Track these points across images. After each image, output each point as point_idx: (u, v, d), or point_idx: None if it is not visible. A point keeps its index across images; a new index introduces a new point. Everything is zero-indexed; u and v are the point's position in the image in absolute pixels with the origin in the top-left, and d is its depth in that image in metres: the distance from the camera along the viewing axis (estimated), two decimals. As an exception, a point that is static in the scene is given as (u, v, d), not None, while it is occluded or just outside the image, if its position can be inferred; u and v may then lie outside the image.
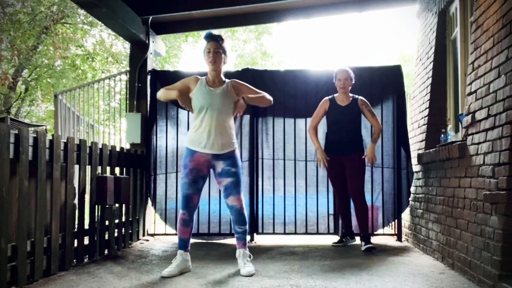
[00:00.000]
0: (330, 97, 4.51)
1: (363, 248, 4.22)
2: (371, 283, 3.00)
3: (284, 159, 5.03)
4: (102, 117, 9.00)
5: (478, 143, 3.07)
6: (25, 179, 2.96)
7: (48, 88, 15.00)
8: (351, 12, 5.50)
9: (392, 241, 4.91)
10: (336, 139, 4.41)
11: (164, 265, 3.63)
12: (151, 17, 5.20)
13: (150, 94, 5.19)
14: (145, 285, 2.99)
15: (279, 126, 5.06)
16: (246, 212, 3.42)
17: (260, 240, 5.01)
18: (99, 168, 4.08)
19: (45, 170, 3.19)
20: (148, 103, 5.21)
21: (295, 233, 4.97)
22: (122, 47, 14.94)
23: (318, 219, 4.96)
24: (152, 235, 5.26)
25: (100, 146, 4.12)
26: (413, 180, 4.78)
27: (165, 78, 5.12)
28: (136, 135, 5.14)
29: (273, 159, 5.02)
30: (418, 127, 4.80)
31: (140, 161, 4.93)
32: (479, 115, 3.09)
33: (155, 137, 5.11)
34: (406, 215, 4.97)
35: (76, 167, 3.72)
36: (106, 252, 4.08)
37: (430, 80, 4.50)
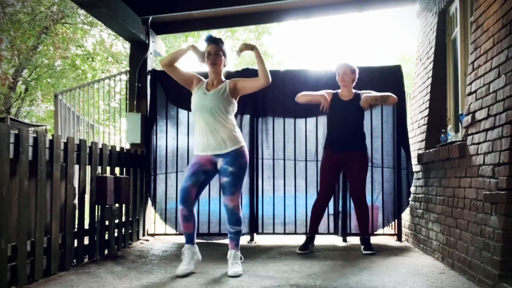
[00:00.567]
0: (334, 91, 4.36)
1: (363, 252, 4.18)
2: (371, 283, 3.00)
3: (284, 159, 5.03)
4: (102, 117, 9.00)
5: (478, 143, 3.07)
6: (25, 179, 2.96)
7: (48, 88, 15.00)
8: (351, 12, 5.50)
9: (392, 241, 4.92)
10: (338, 136, 4.24)
11: (164, 265, 3.63)
12: (151, 17, 5.20)
13: (150, 94, 5.19)
14: (145, 285, 2.99)
15: (279, 126, 5.06)
16: (241, 213, 3.41)
17: (260, 240, 5.01)
18: (99, 168, 4.08)
19: (45, 170, 3.19)
20: (148, 103, 5.21)
21: (295, 233, 4.97)
22: (122, 47, 14.95)
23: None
24: (152, 235, 5.26)
25: (100, 146, 4.12)
26: (413, 180, 4.78)
27: (165, 78, 5.09)
28: (136, 135, 5.14)
29: (273, 159, 5.02)
30: (418, 127, 4.80)
31: (140, 161, 4.93)
32: (479, 115, 3.09)
33: (155, 137, 5.11)
34: (406, 215, 4.97)
35: (76, 167, 3.72)
36: (106, 252, 4.08)
37: (430, 80, 4.50)
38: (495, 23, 2.98)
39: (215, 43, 3.37)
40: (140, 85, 5.27)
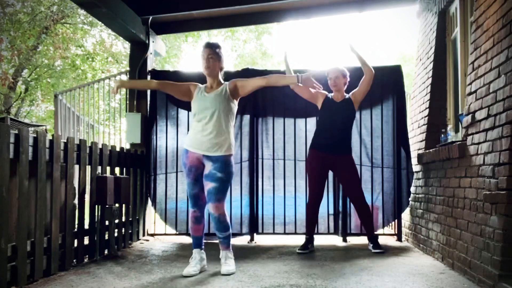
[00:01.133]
0: (328, 93, 4.38)
1: (372, 250, 4.20)
2: (371, 283, 3.00)
3: (284, 159, 5.03)
4: (102, 117, 9.00)
5: (478, 143, 3.07)
6: (25, 179, 2.96)
7: (48, 88, 15.00)
8: (351, 12, 5.50)
9: (392, 241, 4.91)
10: (327, 137, 4.23)
11: (164, 265, 3.63)
12: (151, 17, 5.20)
13: (150, 94, 5.19)
14: (145, 285, 2.99)
15: (279, 126, 5.06)
16: (228, 218, 3.38)
17: (260, 240, 5.01)
18: (99, 168, 4.08)
19: (45, 170, 3.19)
20: (148, 103, 5.21)
21: (295, 233, 4.97)
22: (122, 47, 14.94)
23: (318, 219, 4.95)
24: (152, 235, 5.26)
25: (100, 146, 4.12)
26: (413, 180, 4.77)
27: (165, 78, 5.10)
28: (136, 135, 5.14)
29: (273, 159, 5.02)
30: (418, 127, 4.80)
31: (140, 161, 4.93)
32: (479, 115, 3.09)
33: (155, 137, 5.11)
34: (406, 215, 4.97)
35: (76, 167, 3.73)
36: (106, 252, 4.08)
37: (430, 80, 4.50)
38: (495, 23, 2.98)
39: (209, 47, 3.39)
40: (140, 85, 5.26)
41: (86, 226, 3.84)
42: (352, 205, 4.88)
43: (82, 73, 14.84)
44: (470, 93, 3.32)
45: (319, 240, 4.86)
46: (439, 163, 3.91)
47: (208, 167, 3.30)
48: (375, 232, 4.95)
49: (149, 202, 5.13)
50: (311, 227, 4.35)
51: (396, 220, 5.00)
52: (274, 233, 4.99)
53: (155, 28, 5.42)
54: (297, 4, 5.29)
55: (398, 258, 3.94)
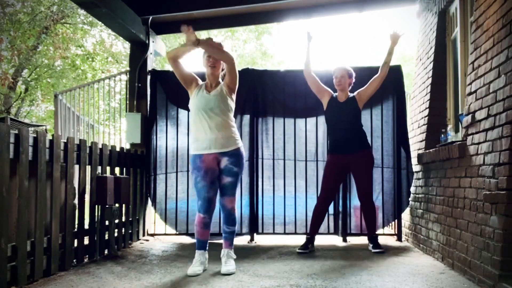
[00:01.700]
0: (333, 93, 4.41)
1: (372, 250, 4.21)
2: (371, 283, 3.00)
3: (284, 159, 5.02)
4: (102, 117, 9.00)
5: (478, 143, 3.07)
6: (25, 179, 2.96)
7: (48, 88, 15.00)
8: (351, 12, 5.50)
9: (392, 241, 4.91)
10: (339, 137, 4.28)
11: (164, 265, 3.63)
12: (151, 17, 5.20)
13: (150, 94, 5.19)
14: (145, 285, 2.99)
15: (279, 126, 5.06)
16: (237, 213, 3.46)
17: (260, 240, 5.01)
18: (99, 168, 4.08)
19: (45, 170, 3.19)
20: (148, 103, 5.21)
21: (295, 233, 4.97)
22: (122, 47, 14.95)
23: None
24: (152, 235, 5.26)
25: (100, 146, 4.12)
26: (413, 180, 4.77)
27: (165, 78, 5.12)
28: (136, 135, 5.14)
29: (273, 159, 5.02)
30: (418, 127, 4.80)
31: (140, 161, 4.93)
32: (479, 115, 3.09)
33: (155, 137, 5.11)
34: (406, 215, 4.97)
35: (76, 167, 3.73)
36: (106, 252, 4.08)
37: (430, 80, 4.50)
38: (495, 23, 2.98)
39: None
40: (140, 85, 5.27)
41: (86, 226, 3.84)
42: (351, 204, 4.89)
43: (82, 73, 14.84)
44: (470, 93, 3.32)
45: (319, 240, 4.85)
46: (439, 163, 3.91)
47: (224, 162, 3.35)
48: (376, 232, 4.98)
49: (149, 202, 5.12)
50: (315, 227, 4.36)
51: (396, 220, 5.00)
52: (274, 233, 4.99)
53: (155, 28, 5.41)
54: (297, 4, 5.29)
55: (398, 258, 3.94)
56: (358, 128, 4.33)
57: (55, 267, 3.28)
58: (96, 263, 3.69)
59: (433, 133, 4.41)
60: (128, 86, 5.40)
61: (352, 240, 4.91)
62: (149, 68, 5.33)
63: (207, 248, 3.47)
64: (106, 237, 4.08)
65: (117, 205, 4.14)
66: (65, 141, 3.48)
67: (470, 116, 3.25)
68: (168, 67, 15.46)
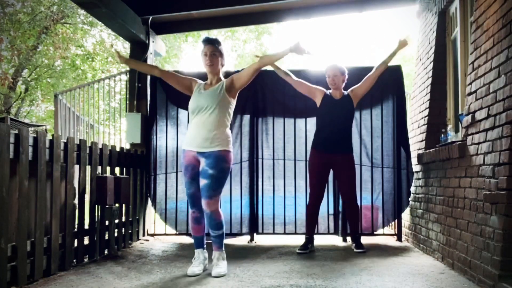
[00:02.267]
0: (326, 90, 4.38)
1: (355, 250, 4.24)
2: (371, 283, 3.00)
3: (284, 159, 5.02)
4: (102, 117, 9.00)
5: (478, 143, 3.07)
6: (25, 179, 2.96)
7: (48, 88, 15.00)
8: (351, 12, 5.50)
9: (392, 241, 4.91)
10: (327, 135, 4.24)
11: (164, 265, 3.63)
12: (151, 17, 5.19)
13: (150, 94, 5.19)
14: (145, 285, 2.99)
15: (279, 126, 5.06)
16: (221, 217, 3.32)
17: (260, 240, 5.01)
18: (99, 168, 4.08)
19: (45, 170, 3.19)
20: (148, 103, 5.21)
21: (295, 233, 4.97)
22: (122, 47, 14.94)
23: (318, 219, 4.95)
24: (152, 235, 5.26)
25: (100, 146, 4.12)
26: (413, 180, 4.77)
27: (165, 78, 5.11)
28: (136, 135, 5.14)
29: (273, 159, 5.02)
30: (418, 127, 4.80)
31: (140, 161, 4.93)
32: (479, 115, 3.09)
33: (155, 137, 5.11)
34: (406, 215, 4.97)
35: (76, 167, 3.72)
36: (106, 252, 4.08)
37: (430, 80, 4.50)
38: (495, 23, 2.98)
39: (211, 44, 3.38)
40: (140, 85, 5.27)
41: (86, 226, 3.84)
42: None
43: (82, 73, 14.85)
44: (470, 93, 3.32)
45: (319, 240, 4.86)
46: (439, 163, 3.91)
47: (202, 164, 3.29)
48: (375, 232, 4.99)
49: (149, 202, 5.13)
50: (311, 227, 4.36)
51: (396, 220, 5.00)
52: (274, 233, 4.99)
53: (155, 28, 5.41)
54: (297, 4, 5.29)
55: (398, 258, 3.94)
56: (348, 129, 4.32)
57: (55, 267, 3.28)
58: (96, 263, 3.69)
59: (433, 133, 4.41)
60: (128, 86, 5.41)
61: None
62: (149, 68, 5.32)
63: (205, 246, 3.44)
64: (106, 237, 4.08)
65: (117, 205, 4.14)
66: (65, 141, 3.48)
67: (470, 116, 3.25)
68: (168, 67, 15.46)
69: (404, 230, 4.99)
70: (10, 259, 2.79)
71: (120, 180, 4.06)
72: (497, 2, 2.96)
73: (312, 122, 5.03)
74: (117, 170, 4.38)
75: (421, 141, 4.60)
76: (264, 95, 5.03)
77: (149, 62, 5.34)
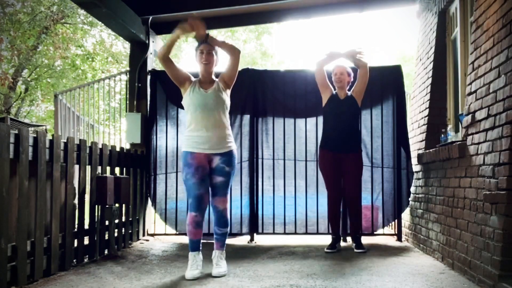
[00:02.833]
0: (333, 90, 4.40)
1: (355, 250, 4.24)
2: (371, 283, 3.00)
3: (284, 159, 5.02)
4: (102, 117, 9.00)
5: (478, 143, 3.07)
6: (25, 179, 2.96)
7: (48, 88, 15.01)
8: (351, 12, 5.50)
9: (392, 241, 4.91)
10: (334, 134, 4.27)
11: (164, 265, 3.63)
12: (151, 17, 5.20)
13: (150, 94, 5.19)
14: (145, 285, 2.99)
15: (279, 126, 5.06)
16: (229, 214, 3.40)
17: (260, 240, 5.01)
18: (99, 168, 4.08)
19: (45, 170, 3.19)
20: (148, 103, 5.21)
21: (295, 233, 4.97)
22: (122, 47, 14.95)
23: (318, 219, 4.95)
24: (152, 235, 5.26)
25: (100, 146, 4.12)
26: (413, 180, 4.77)
27: (165, 78, 5.06)
28: (136, 135, 5.14)
29: (273, 159, 5.02)
30: (418, 127, 4.80)
31: (140, 161, 4.93)
32: (479, 115, 3.09)
33: (155, 137, 5.11)
34: (406, 215, 4.97)
35: (76, 167, 3.73)
36: (106, 252, 4.08)
37: (430, 80, 4.50)
38: (495, 23, 2.98)
39: (207, 43, 3.38)
40: (140, 85, 5.27)
41: (86, 226, 3.84)
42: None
43: (82, 73, 14.85)
44: (470, 93, 3.32)
45: (319, 240, 4.86)
46: (439, 163, 3.91)
47: (216, 161, 3.30)
48: (375, 232, 4.99)
49: (149, 202, 5.12)
50: (336, 226, 4.38)
51: (396, 220, 5.00)
52: (274, 233, 4.99)
53: (155, 28, 5.41)
54: (297, 4, 5.28)
55: (398, 258, 3.94)
56: (355, 128, 4.35)
57: (55, 267, 3.28)
58: (96, 263, 3.69)
59: (433, 133, 4.41)
60: (128, 86, 5.40)
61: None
62: (149, 68, 5.33)
63: (200, 248, 3.39)
64: (106, 237, 4.08)
65: (117, 205, 4.14)
66: (65, 141, 3.48)
67: (470, 116, 3.25)
68: (168, 67, 15.45)
69: (404, 230, 4.99)
70: (10, 259, 2.79)
71: (120, 180, 4.06)
72: (497, 2, 2.96)
73: (312, 122, 5.04)
74: (117, 170, 4.38)
75: (421, 141, 4.60)
76: (264, 95, 5.03)
77: (149, 62, 5.34)
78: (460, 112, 3.93)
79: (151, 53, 5.38)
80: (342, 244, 4.77)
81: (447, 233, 3.58)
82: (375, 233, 5.00)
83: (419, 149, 4.64)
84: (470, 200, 3.13)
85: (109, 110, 9.25)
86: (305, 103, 4.97)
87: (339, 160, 4.29)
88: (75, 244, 3.61)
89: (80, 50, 14.82)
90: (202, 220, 3.34)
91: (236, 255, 4.09)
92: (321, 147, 4.40)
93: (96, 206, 3.95)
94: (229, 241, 4.86)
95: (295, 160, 5.01)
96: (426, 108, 4.55)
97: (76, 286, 2.97)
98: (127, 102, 5.39)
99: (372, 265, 3.62)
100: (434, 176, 4.04)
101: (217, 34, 16.91)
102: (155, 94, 5.14)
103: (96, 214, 3.94)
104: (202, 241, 3.41)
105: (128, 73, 5.46)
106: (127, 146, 5.37)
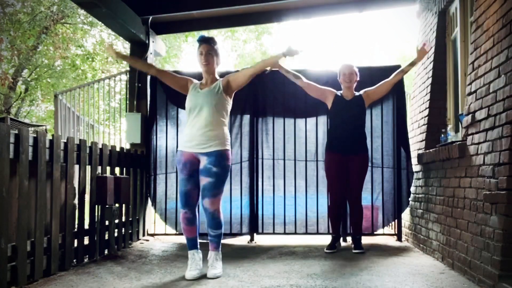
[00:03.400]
0: (337, 91, 4.37)
1: (353, 250, 4.23)
2: (371, 283, 3.00)
3: (284, 159, 5.02)
4: (102, 117, 9.00)
5: (478, 143, 3.07)
6: (25, 179, 2.96)
7: (48, 88, 15.01)
8: (351, 12, 5.51)
9: (392, 241, 4.91)
10: (340, 136, 4.24)
11: (164, 265, 3.63)
12: (151, 17, 5.19)
13: (150, 94, 5.19)
14: (145, 285, 2.99)
15: (279, 126, 5.06)
16: (221, 215, 3.30)
17: (260, 240, 5.01)
18: (99, 168, 4.08)
19: (45, 170, 3.19)
20: (148, 103, 5.21)
21: (295, 233, 4.97)
22: (122, 47, 14.93)
23: (318, 219, 4.95)
24: (152, 235, 5.26)
25: (100, 146, 4.12)
26: (413, 180, 4.77)
27: (165, 78, 5.11)
28: (136, 135, 5.14)
29: (273, 159, 5.02)
30: (418, 127, 4.80)
31: (140, 161, 4.93)
32: (479, 115, 3.09)
33: (155, 137, 5.11)
34: (406, 215, 4.97)
35: (76, 167, 3.73)
36: (106, 252, 4.08)
37: (430, 80, 4.50)
38: (495, 23, 2.98)
39: (207, 43, 3.36)
40: (140, 85, 5.27)
41: (86, 226, 3.84)
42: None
43: (82, 73, 14.85)
44: (470, 93, 3.32)
45: (319, 240, 4.86)
46: (439, 163, 3.91)
47: (203, 162, 3.24)
48: (375, 232, 4.99)
49: (149, 202, 5.12)
50: (336, 226, 4.37)
51: (396, 220, 5.00)
52: (274, 233, 4.99)
53: (155, 28, 5.41)
54: (297, 4, 5.29)
55: (398, 258, 3.94)
56: (361, 129, 4.31)
57: (55, 267, 3.28)
58: (96, 263, 3.69)
59: (433, 133, 4.41)
60: (128, 86, 5.41)
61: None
62: (149, 68, 5.32)
63: (198, 246, 3.37)
64: (106, 237, 4.08)
65: (117, 205, 4.14)
66: (65, 141, 3.48)
67: (470, 116, 3.25)
68: (168, 67, 15.47)
69: (404, 230, 4.99)
70: (10, 259, 2.79)
71: (120, 180, 4.06)
72: (497, 2, 2.96)
73: (312, 122, 5.04)
74: (117, 170, 4.38)
75: (421, 141, 4.60)
76: (264, 95, 5.03)
77: (149, 62, 5.33)
78: (460, 112, 3.93)
79: (151, 53, 5.38)
80: (342, 244, 4.77)
81: (447, 233, 3.58)
82: (375, 233, 5.00)
83: (419, 149, 4.64)
84: (470, 200, 3.13)
85: (109, 110, 9.26)
86: (305, 103, 4.97)
87: (346, 161, 4.26)
88: (75, 244, 3.61)
89: (80, 50, 14.82)
90: (194, 217, 3.32)
91: (236, 255, 4.09)
92: (326, 149, 4.38)
93: (96, 206, 3.95)
94: (229, 241, 4.87)
95: (295, 160, 5.01)
96: (426, 108, 4.55)
97: (76, 286, 2.97)
98: (127, 102, 5.40)
99: (372, 265, 3.62)
100: (434, 176, 4.04)
101: (217, 34, 16.93)
102: (155, 94, 5.14)
103: (96, 214, 3.94)
104: (200, 241, 3.41)
105: (128, 73, 5.46)
106: (127, 146, 5.38)
